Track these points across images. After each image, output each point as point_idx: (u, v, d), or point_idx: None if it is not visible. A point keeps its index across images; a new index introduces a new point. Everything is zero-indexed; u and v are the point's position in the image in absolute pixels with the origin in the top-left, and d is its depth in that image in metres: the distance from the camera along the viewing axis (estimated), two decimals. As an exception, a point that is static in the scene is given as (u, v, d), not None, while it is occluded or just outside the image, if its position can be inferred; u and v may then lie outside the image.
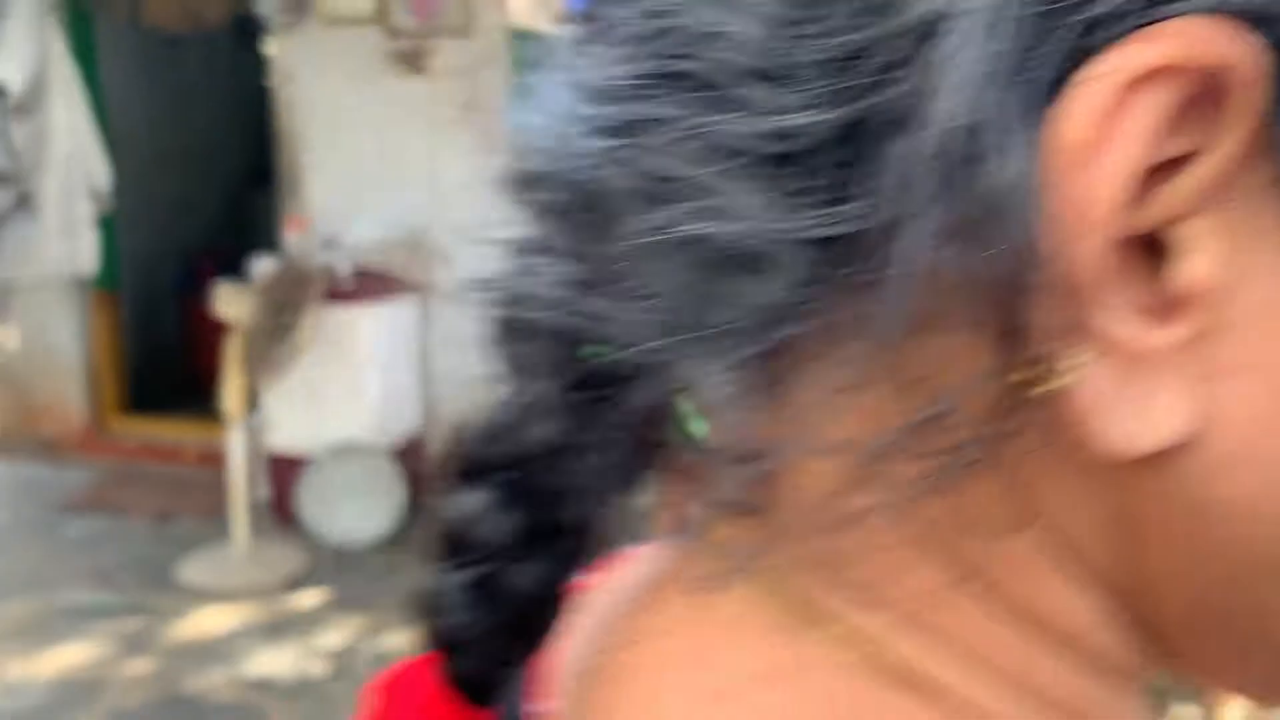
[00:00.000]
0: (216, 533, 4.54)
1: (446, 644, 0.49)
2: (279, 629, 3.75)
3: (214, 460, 5.26)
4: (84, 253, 2.84)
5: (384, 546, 4.44)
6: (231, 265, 4.84)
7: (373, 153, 4.88)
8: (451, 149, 4.79)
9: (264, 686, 3.37)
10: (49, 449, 5.48)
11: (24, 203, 2.70)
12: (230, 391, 4.03)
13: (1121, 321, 0.25)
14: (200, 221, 6.37)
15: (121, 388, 5.63)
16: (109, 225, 5.18)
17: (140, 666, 3.48)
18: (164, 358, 6.27)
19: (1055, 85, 0.24)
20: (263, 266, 4.57)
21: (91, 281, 5.33)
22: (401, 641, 3.65)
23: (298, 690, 3.35)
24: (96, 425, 5.52)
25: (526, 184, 0.37)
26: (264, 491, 4.82)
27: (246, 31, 5.44)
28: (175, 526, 4.63)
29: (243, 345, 3.95)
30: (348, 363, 4.47)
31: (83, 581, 4.08)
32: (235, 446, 4.12)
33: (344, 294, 4.45)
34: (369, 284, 4.57)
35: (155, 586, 4.06)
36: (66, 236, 3.40)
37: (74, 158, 2.70)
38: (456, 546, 0.49)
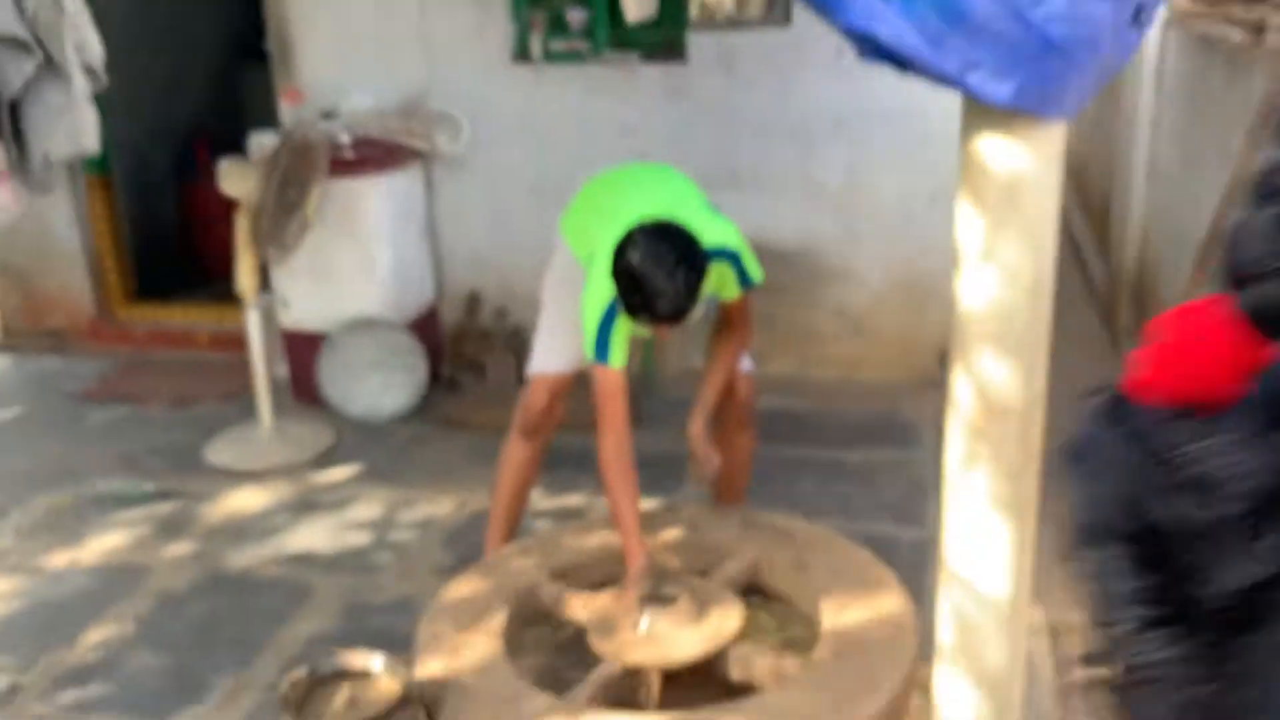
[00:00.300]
0: (239, 414, 4.54)
1: (1244, 275, 0.49)
2: (312, 505, 3.77)
3: (227, 343, 5.23)
4: (87, 131, 2.73)
5: (407, 419, 4.44)
6: (227, 147, 4.70)
7: (364, 19, 4.69)
8: (443, 8, 4.60)
9: (305, 560, 3.40)
10: (58, 341, 5.43)
11: (49, 70, 2.59)
12: (243, 271, 3.96)
13: None
14: (190, 102, 6.18)
15: (126, 276, 5.54)
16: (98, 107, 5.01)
17: (180, 549, 3.50)
18: (166, 244, 6.16)
19: None
20: (263, 142, 4.44)
21: (83, 166, 5.20)
22: (434, 509, 3.67)
23: (338, 562, 3.38)
24: (104, 315, 5.46)
25: None
26: (282, 371, 4.80)
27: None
28: (196, 411, 4.62)
29: (251, 223, 3.86)
30: (357, 237, 4.39)
31: (111, 469, 4.08)
32: (253, 326, 4.08)
33: (347, 165, 4.34)
34: (371, 154, 4.45)
35: (185, 470, 4.07)
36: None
37: (69, 29, 2.57)
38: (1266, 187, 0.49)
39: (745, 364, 3.01)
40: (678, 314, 2.51)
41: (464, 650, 2.38)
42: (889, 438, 4.11)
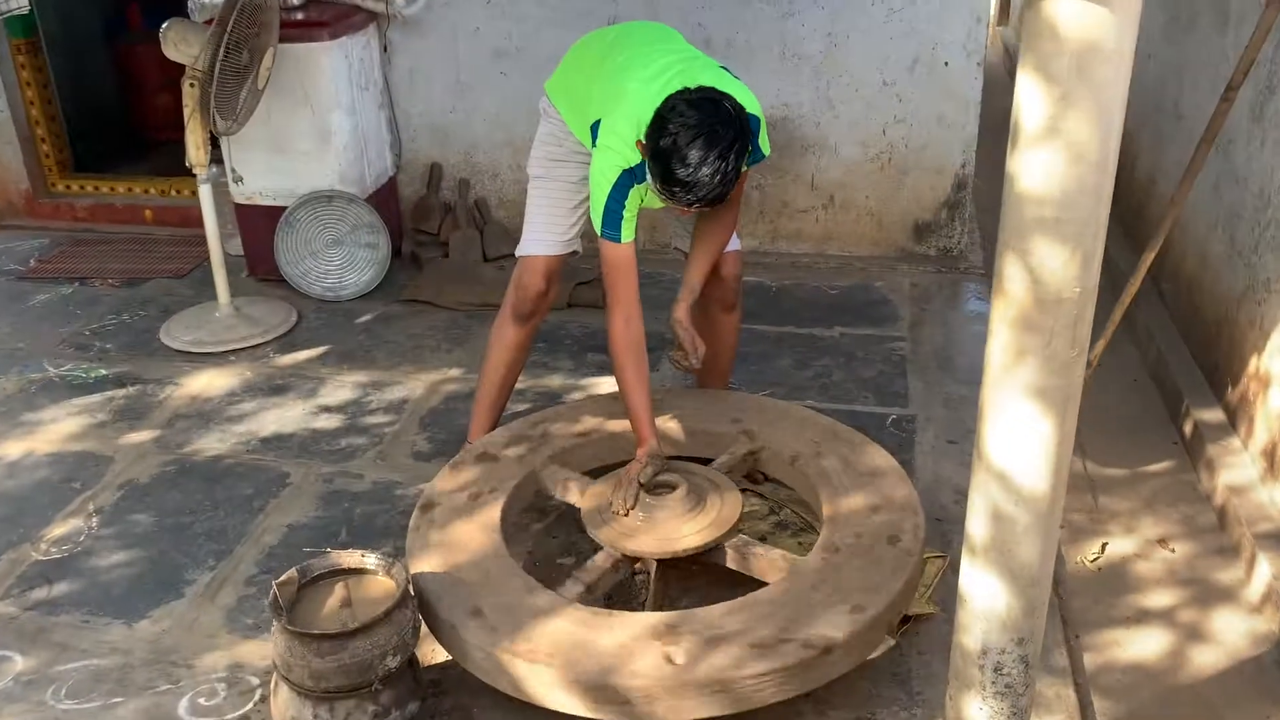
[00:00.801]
0: (193, 294, 4.34)
1: None
2: (279, 388, 3.62)
3: (174, 218, 4.98)
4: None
5: (369, 297, 4.27)
6: (160, 8, 4.37)
7: None
8: None
9: (276, 446, 3.27)
10: (-11, 216, 5.13)
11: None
12: (192, 143, 3.71)
13: None
14: (116, -45, 5.75)
15: (60, 147, 5.21)
16: (19, -39, 4.63)
17: (141, 436, 3.35)
18: (101, 111, 5.81)
19: None
20: (204, 1, 4.13)
21: (6, 29, 4.83)
22: (406, 392, 3.55)
23: (311, 448, 3.26)
24: (40, 189, 5.15)
25: None
26: (236, 248, 4.58)
27: None
28: (145, 290, 4.40)
29: (199, 91, 3.60)
30: (311, 105, 4.13)
31: (60, 353, 3.89)
32: (205, 201, 3.85)
33: (298, 27, 4.05)
34: (322, 16, 4.15)
35: (139, 353, 3.88)
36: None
37: None
38: None
39: (733, 241, 2.87)
40: (720, 199, 2.35)
41: (460, 544, 2.30)
42: (865, 314, 4.04)
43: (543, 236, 2.83)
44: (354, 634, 1.98)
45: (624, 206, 2.48)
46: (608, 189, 2.47)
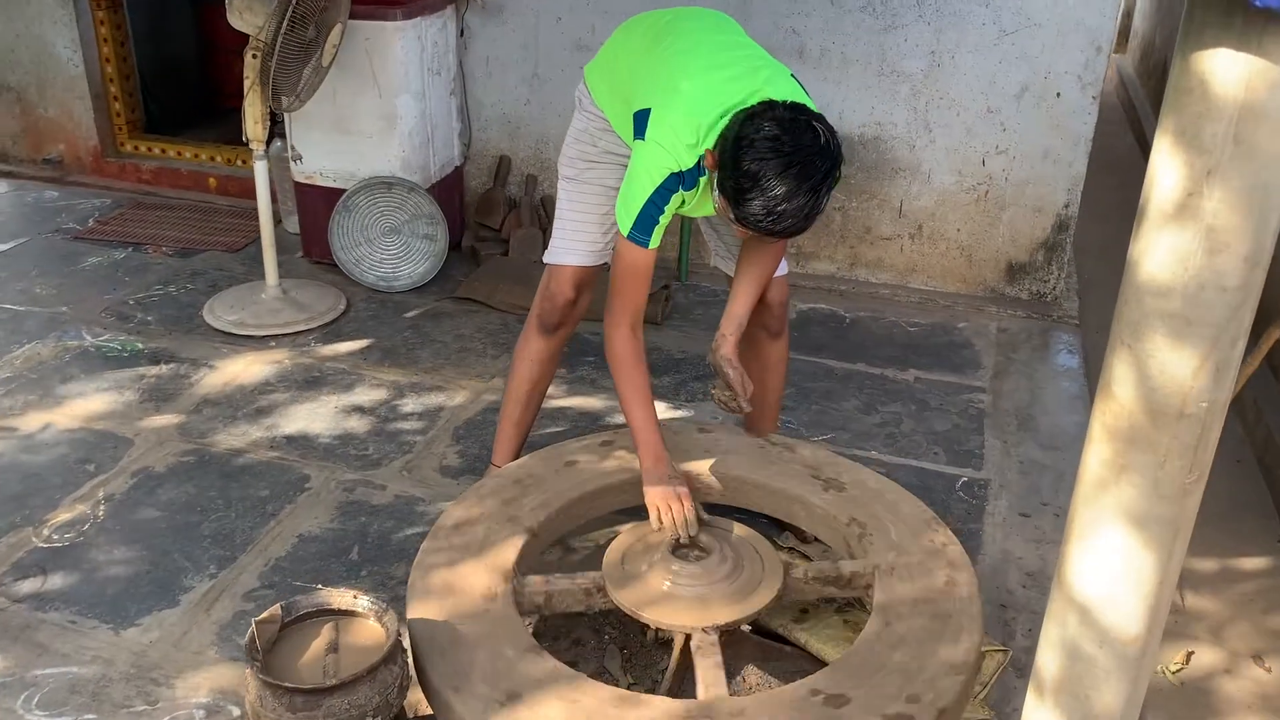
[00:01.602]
0: (244, 270, 4.21)
1: None
2: (314, 381, 3.45)
3: (238, 189, 4.86)
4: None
5: (422, 291, 4.09)
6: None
7: None
8: None
9: (301, 444, 3.10)
10: (58, 171, 5.07)
11: None
12: (251, 117, 3.55)
13: None
14: (208, -86, 5.64)
15: (133, 106, 5.12)
16: (103, -85, 4.55)
17: (166, 419, 3.21)
18: (181, 72, 5.73)
19: None
20: (280, -31, 3.97)
21: (89, -18, 4.75)
22: (445, 398, 3.36)
23: (336, 451, 3.08)
24: (108, 147, 5.07)
25: None
26: (293, 227, 4.44)
27: None
28: (198, 261, 4.28)
29: (260, 64, 3.44)
30: (379, 87, 3.95)
31: (101, 321, 3.77)
32: (261, 178, 3.69)
33: (371, 4, 3.88)
34: (401, -7, 3.98)
35: (180, 329, 3.75)
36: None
37: None
38: None
39: (781, 266, 2.60)
40: (800, 232, 2.08)
41: (467, 589, 2.09)
42: (944, 358, 3.75)
43: (572, 245, 2.58)
44: (331, 690, 1.78)
45: (663, 212, 2.21)
46: (650, 190, 2.18)
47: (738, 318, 2.44)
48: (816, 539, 2.56)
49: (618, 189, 2.51)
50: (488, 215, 4.47)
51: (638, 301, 2.32)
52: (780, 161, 1.97)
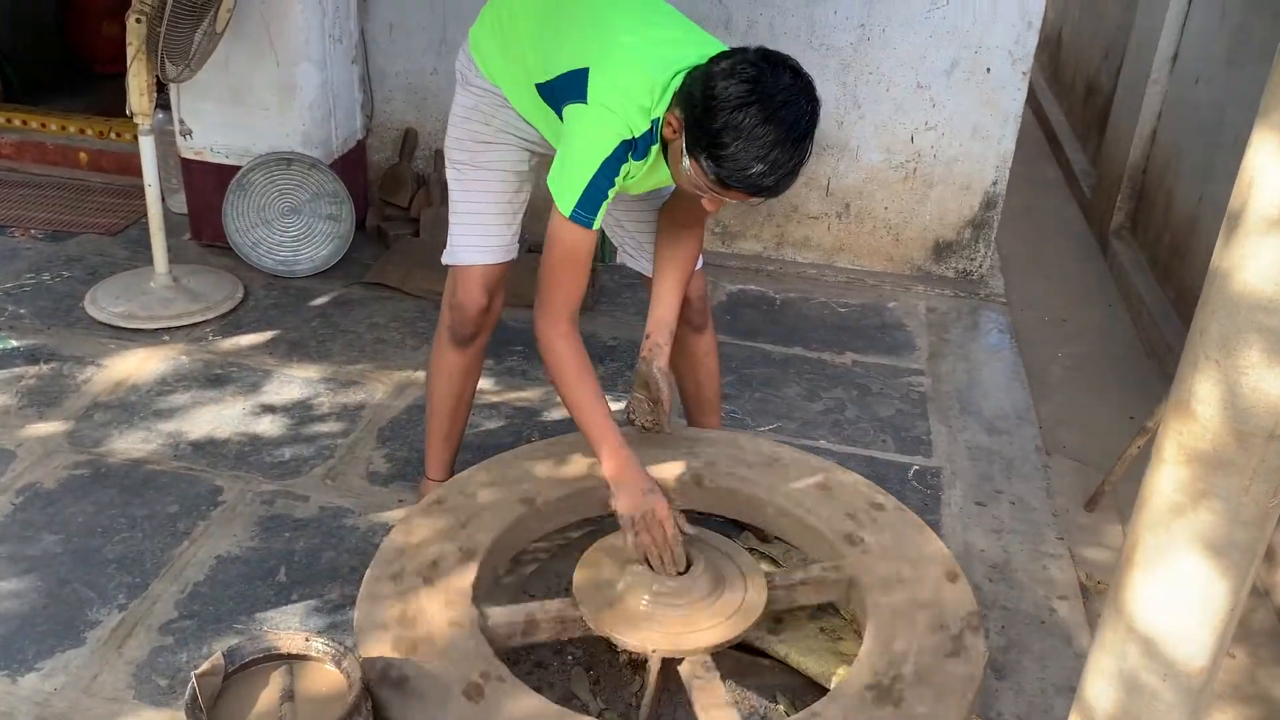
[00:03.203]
0: (126, 255, 3.85)
1: None
2: (217, 379, 3.16)
3: (113, 164, 4.47)
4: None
5: (327, 276, 3.81)
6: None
7: None
8: None
9: (209, 452, 2.82)
10: (-95, 142, 4.58)
11: None
12: (136, 86, 3.21)
13: None
14: None
15: (-12, 72, 4.66)
16: None
17: (52, 427, 2.88)
18: (40, 37, 5.25)
19: None
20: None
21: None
22: (364, 394, 3.12)
23: (249, 458, 2.81)
24: (-38, 117, 4.60)
25: None
26: (179, 206, 4.09)
27: None
28: (73, 245, 3.90)
29: (147, 30, 3.11)
30: (276, 54, 3.64)
31: (-33, 314, 3.40)
32: (147, 155, 3.36)
33: (268, -35, 3.56)
34: (297, -47, 3.66)
35: (59, 321, 3.40)
36: None
37: None
38: None
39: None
40: (788, 186, 1.88)
41: (425, 620, 1.89)
42: (878, 340, 3.67)
43: (475, 241, 2.30)
44: (291, 751, 1.57)
45: (613, 185, 1.97)
46: (598, 161, 1.93)
47: (667, 324, 2.27)
48: (778, 538, 2.44)
49: (518, 172, 2.31)
50: (394, 193, 4.20)
51: (577, 292, 2.07)
52: (762, 107, 1.77)
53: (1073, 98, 6.44)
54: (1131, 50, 4.84)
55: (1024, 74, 3.72)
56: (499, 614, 1.94)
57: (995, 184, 3.92)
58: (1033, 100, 6.84)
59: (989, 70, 3.73)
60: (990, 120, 3.81)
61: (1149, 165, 4.51)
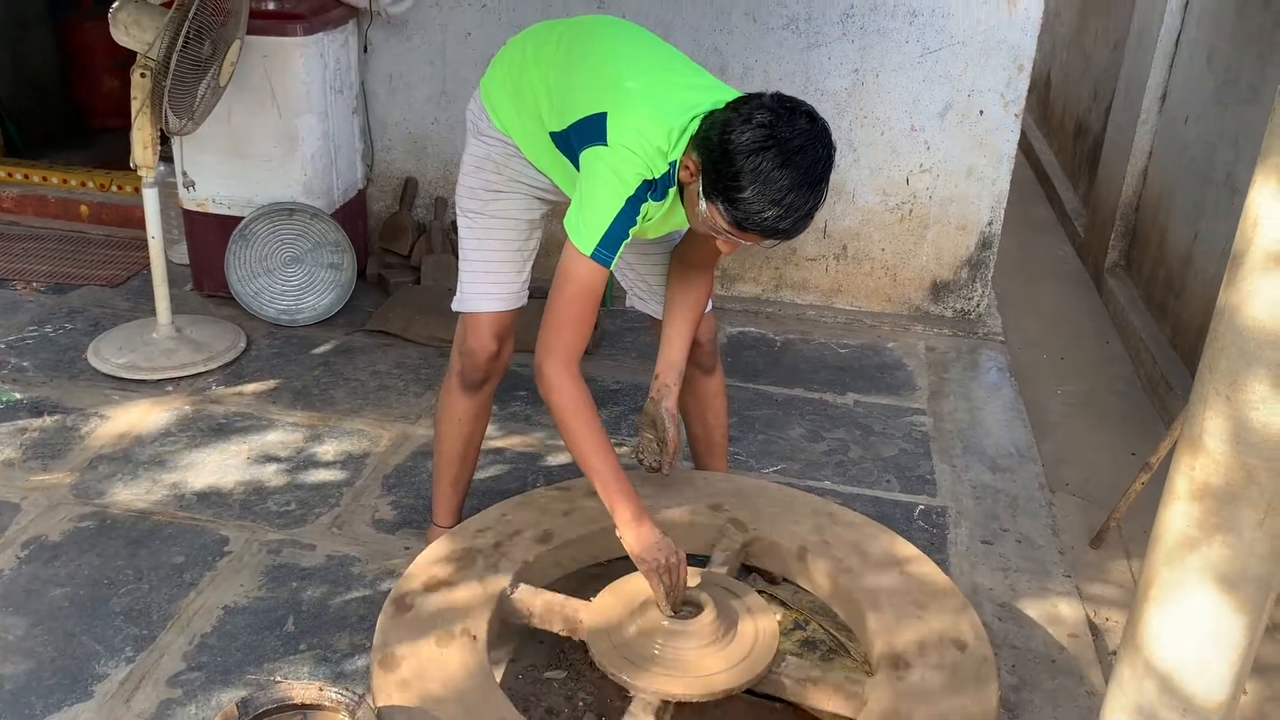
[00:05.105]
0: (128, 306, 3.87)
1: None
2: (219, 428, 3.17)
3: (114, 217, 4.51)
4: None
5: (330, 325, 3.83)
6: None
7: None
8: None
9: (213, 502, 2.82)
10: (-93, 197, 4.61)
11: None
12: (140, 139, 3.25)
13: None
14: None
15: (-10, 127, 4.71)
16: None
17: (56, 479, 2.88)
18: (42, 93, 5.30)
19: None
20: (164, -20, 3.67)
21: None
22: (368, 443, 3.12)
23: (254, 507, 2.81)
24: (-36, 172, 4.64)
25: None
26: (181, 257, 4.12)
27: None
28: (75, 298, 3.92)
29: (151, 84, 3.15)
30: (279, 107, 3.68)
31: (-30, 367, 3.40)
32: (150, 207, 3.38)
33: (270, 18, 3.62)
34: (299, 8, 3.72)
35: (61, 374, 3.40)
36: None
37: None
38: None
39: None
40: (804, 229, 1.91)
41: (437, 671, 1.89)
42: (879, 380, 3.69)
43: (486, 289, 2.32)
44: (306, 802, 1.56)
45: (634, 224, 1.99)
46: (622, 201, 1.95)
47: (677, 366, 2.30)
48: (785, 579, 2.44)
49: (529, 220, 2.34)
50: (394, 240, 4.23)
51: (586, 332, 2.07)
52: (779, 152, 1.80)
53: (1063, 138, 6.52)
54: (1121, 91, 4.91)
55: (1016, 116, 3.77)
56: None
57: (990, 224, 3.96)
58: (1023, 141, 6.92)
59: (982, 113, 3.79)
60: (984, 161, 3.86)
61: (1141, 203, 4.56)
